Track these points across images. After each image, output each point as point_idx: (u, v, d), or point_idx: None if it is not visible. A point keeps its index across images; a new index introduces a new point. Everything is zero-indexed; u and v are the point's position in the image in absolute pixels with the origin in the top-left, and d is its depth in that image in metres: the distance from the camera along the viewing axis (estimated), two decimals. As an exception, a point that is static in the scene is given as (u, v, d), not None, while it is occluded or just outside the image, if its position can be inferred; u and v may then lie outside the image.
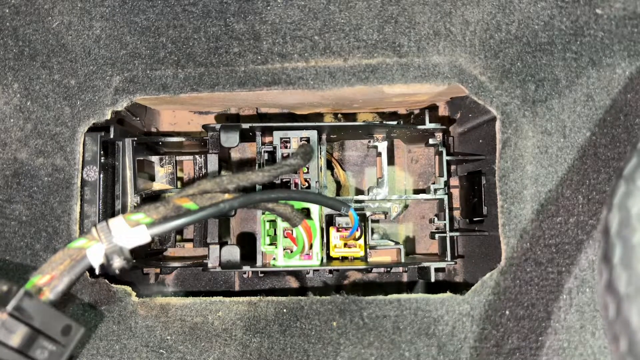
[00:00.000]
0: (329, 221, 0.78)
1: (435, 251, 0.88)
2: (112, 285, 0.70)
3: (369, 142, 0.85)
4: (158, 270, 0.86)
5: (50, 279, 0.51)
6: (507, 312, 0.67)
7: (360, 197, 0.79)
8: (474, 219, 0.81)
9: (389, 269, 0.84)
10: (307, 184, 0.76)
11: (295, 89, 0.71)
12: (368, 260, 0.79)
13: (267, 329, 0.68)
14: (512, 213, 0.68)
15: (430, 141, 0.79)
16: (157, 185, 0.83)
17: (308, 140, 0.76)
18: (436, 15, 0.71)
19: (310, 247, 0.72)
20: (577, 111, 0.68)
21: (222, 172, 0.77)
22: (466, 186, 0.84)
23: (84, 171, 0.71)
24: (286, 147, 0.76)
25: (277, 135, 0.76)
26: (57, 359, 0.50)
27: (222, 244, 0.74)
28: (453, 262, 0.78)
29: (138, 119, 0.83)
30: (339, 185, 0.89)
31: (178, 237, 0.87)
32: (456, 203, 0.87)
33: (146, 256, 0.83)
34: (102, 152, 0.72)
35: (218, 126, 0.75)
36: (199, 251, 0.87)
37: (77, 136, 0.71)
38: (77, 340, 0.52)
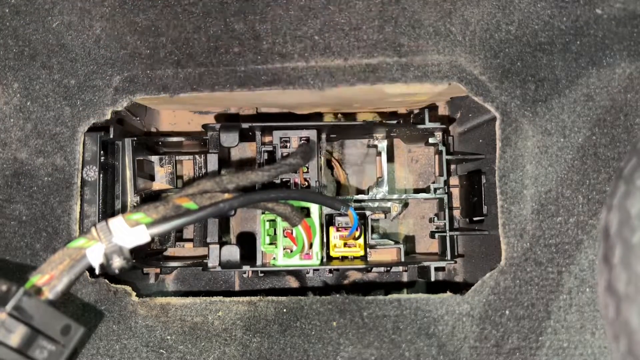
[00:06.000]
0: (329, 221, 0.78)
1: (435, 250, 0.88)
2: (112, 285, 0.70)
3: (369, 141, 0.85)
4: (158, 270, 0.86)
5: (49, 279, 0.51)
6: (507, 312, 0.67)
7: (360, 197, 0.79)
8: (474, 219, 0.81)
9: (388, 269, 0.84)
10: (306, 184, 0.76)
11: (295, 88, 0.71)
12: (368, 259, 0.79)
13: (267, 329, 0.68)
14: (512, 213, 0.68)
15: (430, 140, 0.79)
16: (157, 185, 0.83)
17: (308, 139, 0.76)
18: (436, 15, 0.71)
19: (310, 246, 0.72)
20: (577, 111, 0.68)
21: (222, 172, 0.77)
22: (466, 185, 0.84)
23: (84, 171, 0.71)
24: (286, 147, 0.76)
25: (277, 134, 0.76)
26: (56, 359, 0.50)
27: (222, 243, 0.74)
28: (453, 262, 0.78)
29: (138, 118, 0.83)
30: (338, 185, 0.89)
31: (178, 236, 0.87)
32: (456, 202, 0.87)
33: (146, 256, 0.83)
34: (102, 152, 0.72)
35: (218, 126, 0.75)
36: (199, 251, 0.87)
37: (77, 136, 0.71)
38: (77, 340, 0.52)
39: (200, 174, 0.82)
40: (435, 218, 0.84)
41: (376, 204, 0.82)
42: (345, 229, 0.77)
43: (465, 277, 0.85)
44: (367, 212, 0.79)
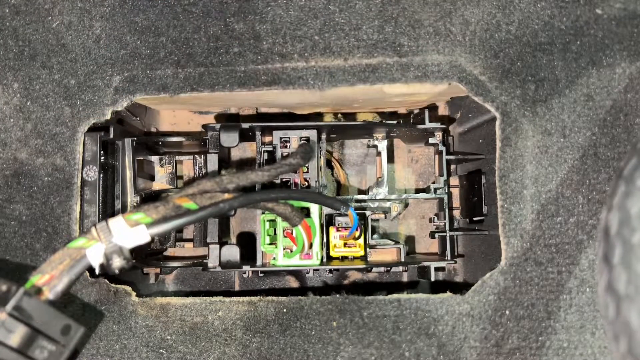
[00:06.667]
0: (329, 221, 0.78)
1: (435, 250, 0.88)
2: (112, 285, 0.70)
3: (369, 141, 0.85)
4: (158, 270, 0.86)
5: (49, 279, 0.51)
6: (507, 312, 0.67)
7: (360, 197, 0.79)
8: (474, 219, 0.81)
9: (388, 269, 0.84)
10: (306, 184, 0.76)
11: (295, 88, 0.71)
12: (368, 259, 0.79)
13: (267, 329, 0.68)
14: (512, 213, 0.68)
15: (430, 140, 0.79)
16: (157, 185, 0.83)
17: (308, 139, 0.76)
18: (436, 15, 0.71)
19: (310, 246, 0.72)
20: (577, 111, 0.68)
21: (222, 172, 0.77)
22: (466, 185, 0.84)
23: (84, 171, 0.71)
24: (286, 147, 0.76)
25: (277, 134, 0.76)
26: (56, 359, 0.50)
27: (222, 243, 0.74)
28: (453, 262, 0.78)
29: (138, 119, 0.83)
30: (339, 185, 0.89)
31: (178, 236, 0.87)
32: (456, 202, 0.87)
33: (146, 256, 0.83)
34: (102, 152, 0.72)
35: (218, 126, 0.75)
36: (199, 251, 0.87)
37: (77, 136, 0.71)
38: (77, 340, 0.52)
39: (200, 174, 0.82)
40: (435, 218, 0.84)
41: (376, 204, 0.82)
42: (345, 229, 0.77)
43: (465, 277, 0.85)
44: (367, 212, 0.79)
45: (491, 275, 0.68)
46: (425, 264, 0.77)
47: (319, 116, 0.88)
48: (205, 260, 0.75)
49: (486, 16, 0.71)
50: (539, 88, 0.69)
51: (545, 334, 0.66)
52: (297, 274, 0.89)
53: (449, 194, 0.81)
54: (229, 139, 0.74)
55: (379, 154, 0.83)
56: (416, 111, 0.87)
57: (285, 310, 0.69)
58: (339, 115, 0.89)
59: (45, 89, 0.72)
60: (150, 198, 0.80)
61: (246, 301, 0.69)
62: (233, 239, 0.89)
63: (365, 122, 0.79)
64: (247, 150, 0.89)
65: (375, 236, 0.80)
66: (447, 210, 0.79)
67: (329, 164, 0.88)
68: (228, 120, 0.89)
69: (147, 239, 0.54)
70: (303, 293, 0.72)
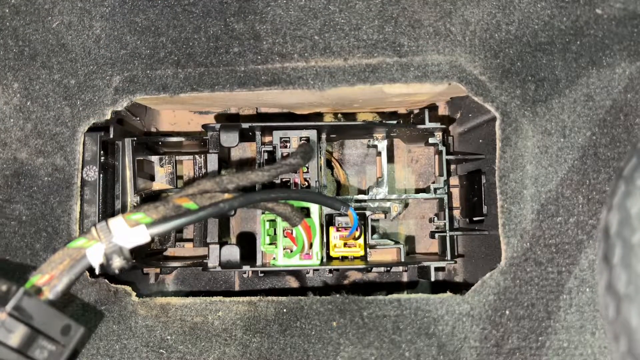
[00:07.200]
0: (329, 221, 0.78)
1: (435, 250, 0.88)
2: (112, 285, 0.70)
3: (369, 141, 0.85)
4: (158, 270, 0.86)
5: (49, 279, 0.52)
6: (507, 312, 0.67)
7: (360, 197, 0.79)
8: (474, 219, 0.81)
9: (388, 269, 0.84)
10: (306, 184, 0.76)
11: (295, 88, 0.71)
12: (368, 259, 0.79)
13: (267, 329, 0.68)
14: (512, 213, 0.68)
15: (430, 140, 0.79)
16: (157, 185, 0.83)
17: (308, 139, 0.76)
18: (436, 15, 0.71)
19: (310, 246, 0.72)
20: (577, 111, 0.68)
21: (222, 172, 0.77)
22: (466, 185, 0.84)
23: (84, 171, 0.71)
24: (286, 147, 0.76)
25: (277, 134, 0.76)
26: (56, 359, 0.50)
27: (222, 243, 0.74)
28: (453, 262, 0.78)
29: (138, 119, 0.83)
30: (339, 185, 0.89)
31: (178, 236, 0.87)
32: (456, 202, 0.87)
33: (146, 256, 0.83)
34: (102, 152, 0.72)
35: (218, 126, 0.75)
36: (199, 251, 0.87)
37: (77, 136, 0.71)
38: (77, 340, 0.52)
39: (200, 174, 0.82)
40: (435, 218, 0.84)
41: (376, 204, 0.82)
42: (345, 229, 0.77)
43: (465, 277, 0.85)
44: (367, 212, 0.79)
45: (491, 275, 0.68)
46: (425, 264, 0.77)
47: (319, 116, 0.88)
48: (205, 260, 0.75)
49: (486, 16, 0.71)
50: (539, 88, 0.69)
51: (545, 334, 0.66)
52: (297, 274, 0.89)
53: (449, 194, 0.81)
54: (229, 139, 0.74)
55: (379, 154, 0.83)
56: (416, 111, 0.87)
57: (285, 310, 0.69)
58: (339, 115, 0.89)
59: (45, 89, 0.72)
60: (150, 198, 0.80)
61: (246, 301, 0.69)
62: (233, 239, 0.89)
63: (365, 122, 0.79)
64: (247, 150, 0.89)
65: (375, 236, 0.80)
66: (447, 210, 0.79)
67: (329, 164, 0.88)
68: (228, 120, 0.89)
69: (147, 239, 0.54)
70: (303, 293, 0.72)
